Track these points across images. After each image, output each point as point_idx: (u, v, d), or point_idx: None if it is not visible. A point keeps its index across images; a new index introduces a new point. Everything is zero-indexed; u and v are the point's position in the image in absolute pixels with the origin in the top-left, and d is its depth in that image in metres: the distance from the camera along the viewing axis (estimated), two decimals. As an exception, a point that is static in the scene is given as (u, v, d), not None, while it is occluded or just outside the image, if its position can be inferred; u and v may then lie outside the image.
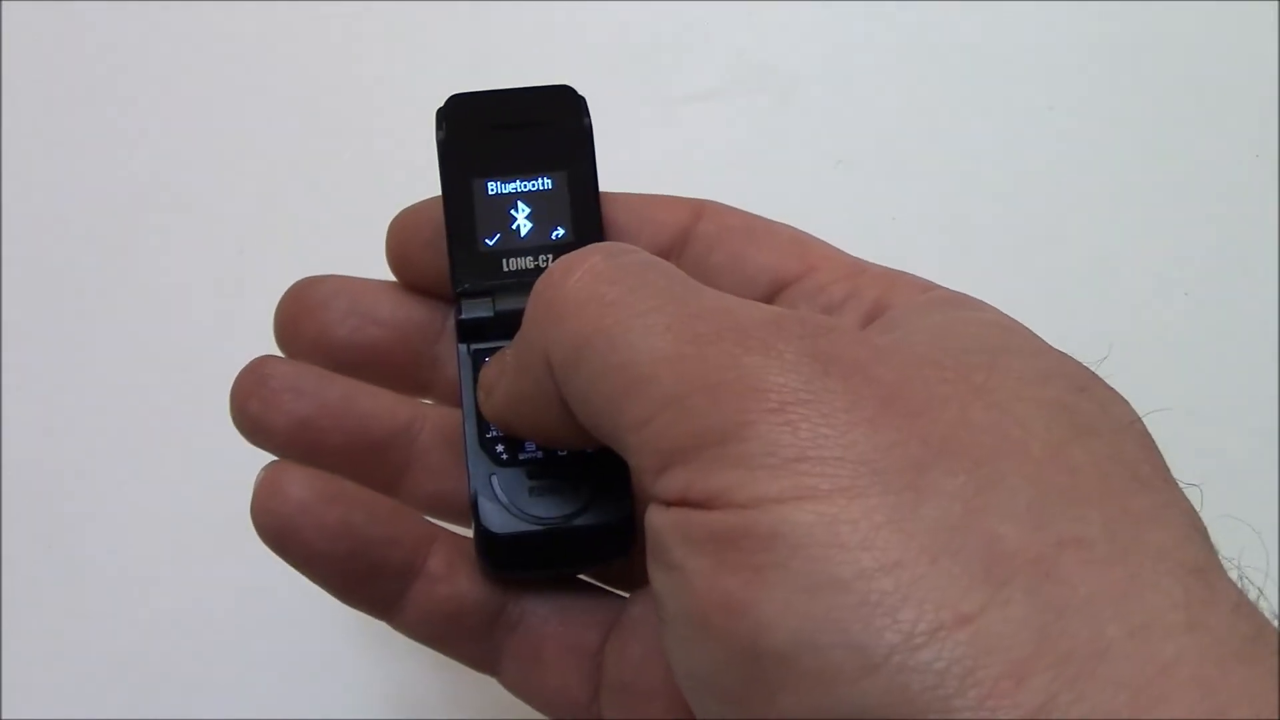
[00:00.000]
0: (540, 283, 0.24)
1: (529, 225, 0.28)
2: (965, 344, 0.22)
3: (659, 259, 0.24)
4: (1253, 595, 0.20)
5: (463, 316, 0.28)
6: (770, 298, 0.28)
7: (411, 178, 0.45)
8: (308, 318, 0.29)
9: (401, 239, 0.29)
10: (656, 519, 0.21)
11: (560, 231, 0.28)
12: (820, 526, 0.18)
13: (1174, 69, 0.47)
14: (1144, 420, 0.22)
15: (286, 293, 0.30)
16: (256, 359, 0.29)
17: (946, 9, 0.47)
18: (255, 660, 0.39)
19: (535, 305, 0.24)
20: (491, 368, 0.27)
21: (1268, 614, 0.19)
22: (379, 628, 0.28)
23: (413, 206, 0.29)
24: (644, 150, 0.44)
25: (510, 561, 0.27)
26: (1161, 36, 0.47)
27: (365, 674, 0.38)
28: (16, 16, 0.47)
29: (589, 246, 0.24)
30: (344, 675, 0.39)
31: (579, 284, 0.23)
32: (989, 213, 0.45)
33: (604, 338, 0.22)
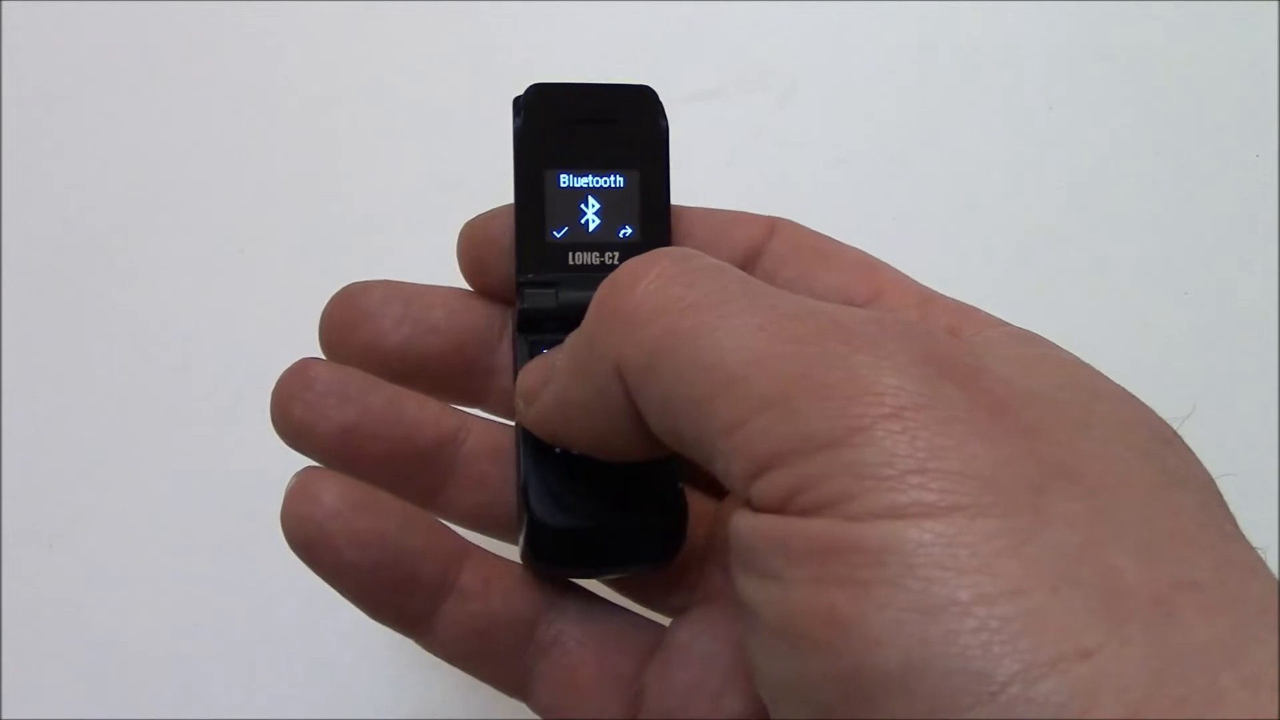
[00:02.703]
0: (605, 289, 0.23)
1: (597, 221, 0.28)
2: (1060, 380, 0.22)
3: (729, 265, 0.23)
4: None
5: (524, 306, 0.27)
6: None
7: (412, 179, 0.45)
8: (360, 324, 0.28)
9: (477, 243, 0.29)
10: (746, 524, 0.20)
11: (628, 230, 0.28)
12: (938, 546, 0.18)
13: (1174, 69, 0.47)
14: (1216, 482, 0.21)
15: (335, 297, 0.29)
16: (300, 361, 0.28)
17: (946, 9, 0.47)
18: (256, 660, 0.39)
19: (602, 311, 0.23)
20: (533, 374, 0.26)
21: None
22: (376, 633, 0.28)
23: (489, 212, 0.29)
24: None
25: (559, 557, 0.26)
26: (1161, 36, 0.47)
27: (366, 674, 0.38)
28: (16, 16, 0.47)
29: (655, 251, 0.23)
30: (344, 675, 0.39)
31: (652, 288, 0.22)
32: (989, 213, 0.45)
33: (689, 339, 0.21)
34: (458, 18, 0.47)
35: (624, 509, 0.26)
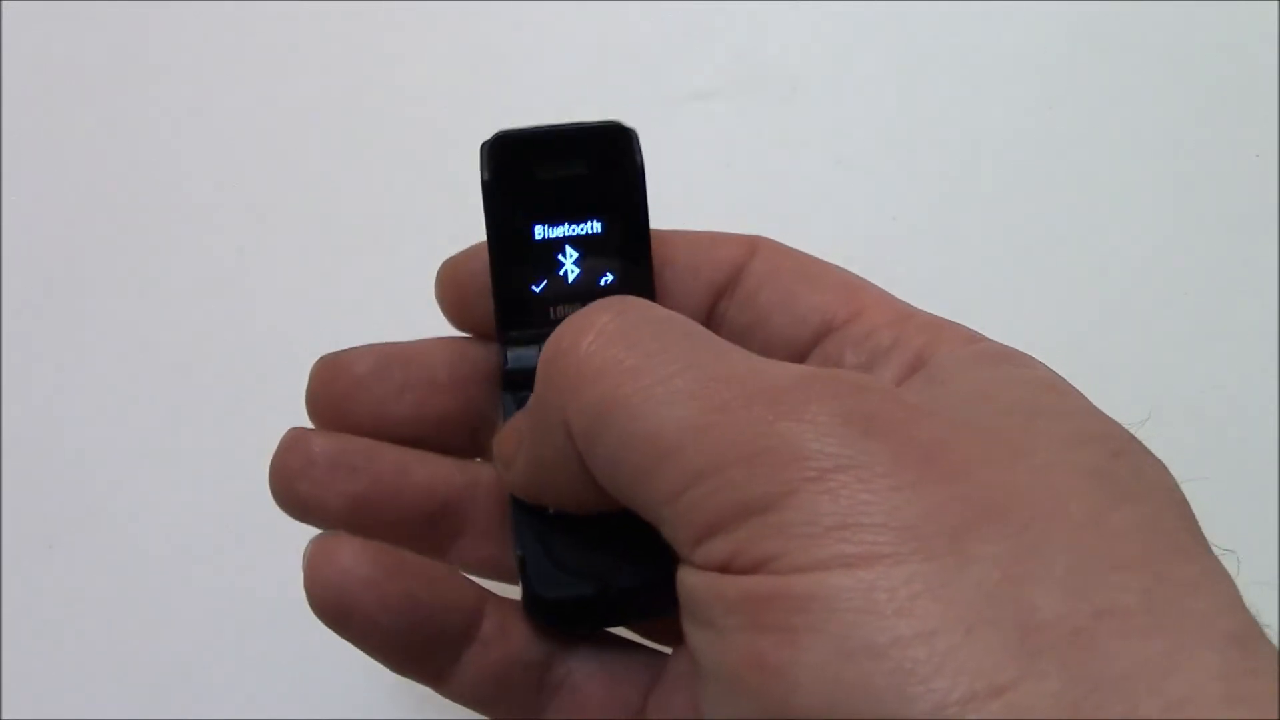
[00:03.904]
0: (550, 348, 0.23)
1: (577, 271, 0.27)
2: (1002, 404, 0.22)
3: (670, 313, 0.23)
4: None
5: (509, 367, 0.27)
6: (818, 339, 0.27)
7: (412, 178, 0.45)
8: (358, 395, 0.28)
9: (455, 284, 0.28)
10: (690, 579, 0.21)
11: (609, 278, 0.27)
12: (857, 591, 0.18)
13: (1174, 69, 0.47)
14: (1181, 488, 0.21)
15: (319, 369, 0.28)
16: (293, 433, 0.27)
17: (946, 9, 0.47)
18: (256, 660, 0.39)
19: (549, 371, 0.23)
20: (507, 439, 0.26)
21: None
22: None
23: (463, 253, 0.28)
24: (644, 151, 0.44)
25: (559, 621, 0.27)
26: (1161, 36, 0.47)
27: (366, 674, 0.38)
28: (16, 16, 0.47)
29: (596, 304, 0.23)
30: (345, 675, 0.39)
31: (592, 349, 0.22)
32: (989, 213, 0.45)
33: (625, 407, 0.21)
34: (458, 18, 0.47)
35: (619, 570, 0.26)
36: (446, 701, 0.27)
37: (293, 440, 0.27)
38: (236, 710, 0.38)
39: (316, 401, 0.28)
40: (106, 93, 0.46)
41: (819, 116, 0.46)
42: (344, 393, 0.28)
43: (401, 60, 0.47)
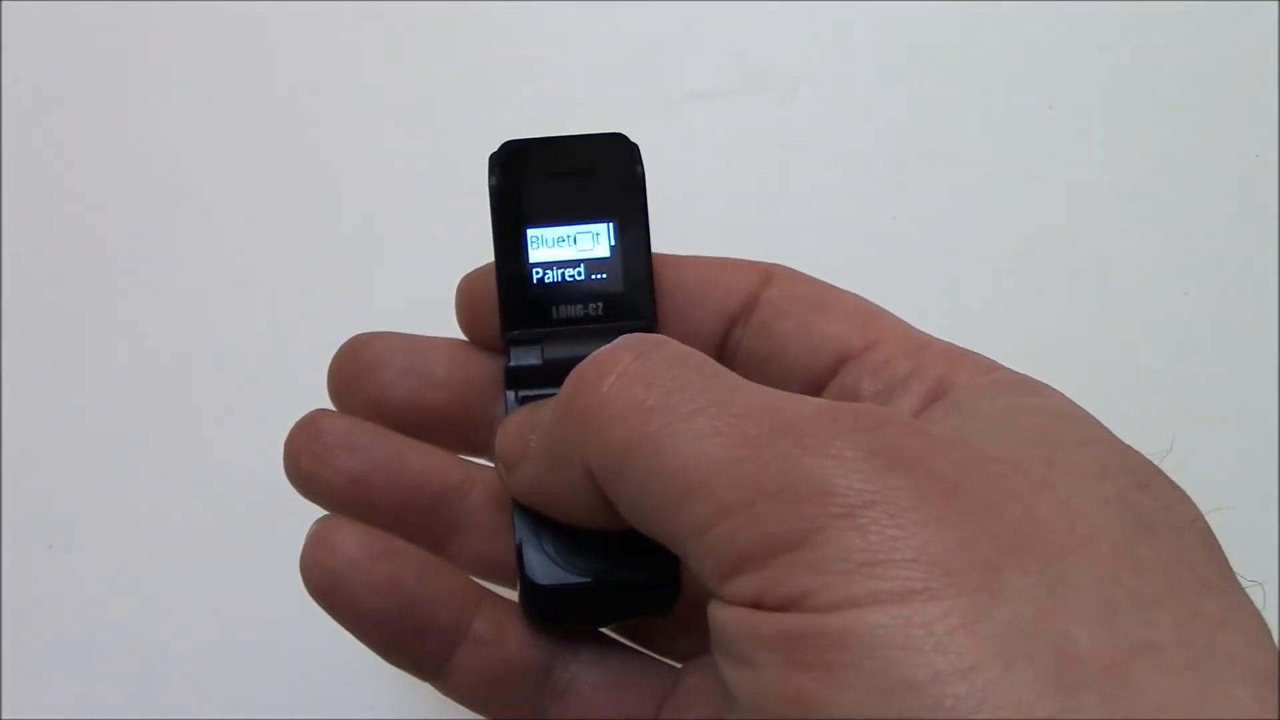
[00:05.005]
0: (570, 387, 0.23)
1: (579, 273, 0.28)
2: (1024, 436, 0.22)
3: (692, 350, 0.24)
4: None
5: (511, 364, 0.28)
6: (835, 369, 0.27)
7: (413, 178, 0.45)
8: (364, 377, 0.29)
9: (473, 297, 0.29)
10: (722, 615, 0.21)
11: (610, 282, 0.28)
12: (894, 628, 0.18)
13: (1174, 69, 0.47)
14: (1207, 518, 0.21)
15: (340, 350, 0.29)
16: (311, 413, 0.28)
17: (946, 9, 0.47)
18: (256, 661, 0.39)
19: (568, 412, 0.23)
20: (510, 439, 0.26)
21: None
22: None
23: (484, 266, 0.29)
24: (645, 150, 0.44)
25: (554, 613, 0.27)
26: (1162, 36, 0.47)
27: (367, 675, 0.38)
28: (16, 16, 0.47)
29: (617, 343, 0.23)
30: (345, 676, 0.39)
31: (615, 390, 0.22)
32: (988, 213, 0.45)
33: (650, 445, 0.21)
34: (460, 18, 0.47)
35: (617, 563, 0.26)
36: (447, 701, 0.27)
37: (308, 418, 0.28)
38: (236, 710, 0.38)
39: (334, 380, 0.29)
40: (107, 93, 0.46)
41: (819, 116, 0.46)
42: (352, 374, 0.29)
43: (403, 61, 0.47)
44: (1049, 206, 0.45)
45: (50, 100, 0.46)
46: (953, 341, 0.27)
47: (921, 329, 0.28)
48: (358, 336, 0.29)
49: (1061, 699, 0.18)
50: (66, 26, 0.47)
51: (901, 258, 0.43)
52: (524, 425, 0.26)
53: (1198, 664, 0.18)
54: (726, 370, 0.23)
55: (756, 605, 0.20)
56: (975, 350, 0.26)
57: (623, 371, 0.22)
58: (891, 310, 0.28)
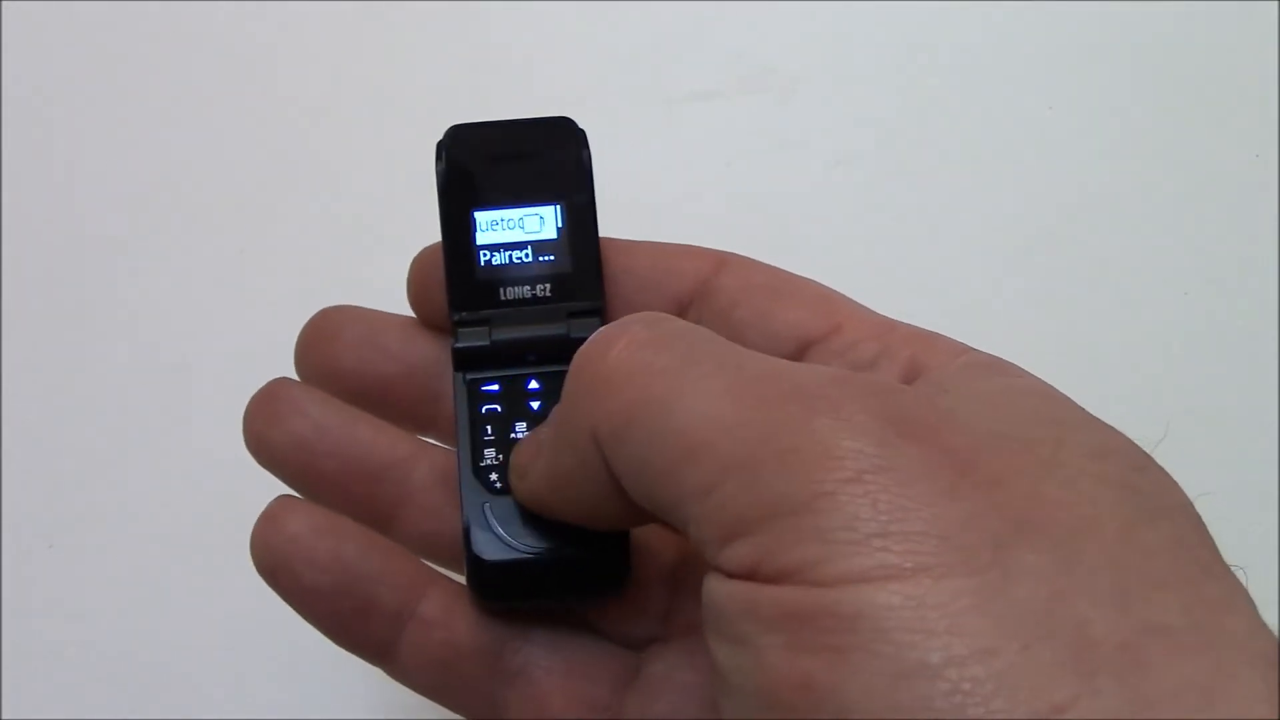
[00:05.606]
0: (579, 358, 0.23)
1: (526, 254, 0.28)
2: (1025, 415, 0.22)
3: (698, 326, 0.23)
4: None
5: (458, 345, 0.28)
6: (797, 356, 0.27)
7: (413, 178, 0.45)
8: (321, 345, 0.29)
9: (423, 275, 0.29)
10: (718, 590, 0.20)
11: (558, 261, 0.28)
12: (907, 610, 0.18)
13: (1174, 69, 0.47)
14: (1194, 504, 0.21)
15: (309, 320, 0.30)
16: (273, 380, 0.29)
17: (946, 9, 0.47)
18: (256, 661, 0.39)
19: (577, 380, 0.23)
20: (525, 448, 0.26)
21: None
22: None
23: (433, 246, 0.29)
24: (644, 150, 0.44)
25: (500, 590, 0.27)
26: (1162, 37, 0.47)
27: (366, 675, 0.38)
28: (16, 16, 0.47)
29: (626, 318, 0.23)
30: (345, 676, 0.39)
31: (623, 354, 0.22)
32: (988, 213, 0.45)
33: (658, 404, 0.21)
34: (458, 18, 0.47)
35: (563, 540, 0.26)
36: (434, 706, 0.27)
37: (268, 385, 0.29)
38: (236, 710, 0.38)
39: (297, 346, 0.30)
40: (107, 93, 0.46)
41: (819, 116, 0.46)
42: (312, 342, 0.29)
43: (403, 61, 0.47)
44: (1049, 206, 0.45)
45: (50, 100, 0.46)
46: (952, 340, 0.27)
47: (920, 329, 0.27)
48: (325, 309, 0.30)
49: (1080, 681, 0.17)
50: (66, 26, 0.47)
51: (901, 258, 0.43)
52: (537, 431, 0.26)
53: (1208, 647, 0.18)
54: (734, 343, 0.23)
55: (753, 574, 0.19)
56: (976, 349, 0.26)
57: (631, 339, 0.22)
58: (891, 310, 0.28)
